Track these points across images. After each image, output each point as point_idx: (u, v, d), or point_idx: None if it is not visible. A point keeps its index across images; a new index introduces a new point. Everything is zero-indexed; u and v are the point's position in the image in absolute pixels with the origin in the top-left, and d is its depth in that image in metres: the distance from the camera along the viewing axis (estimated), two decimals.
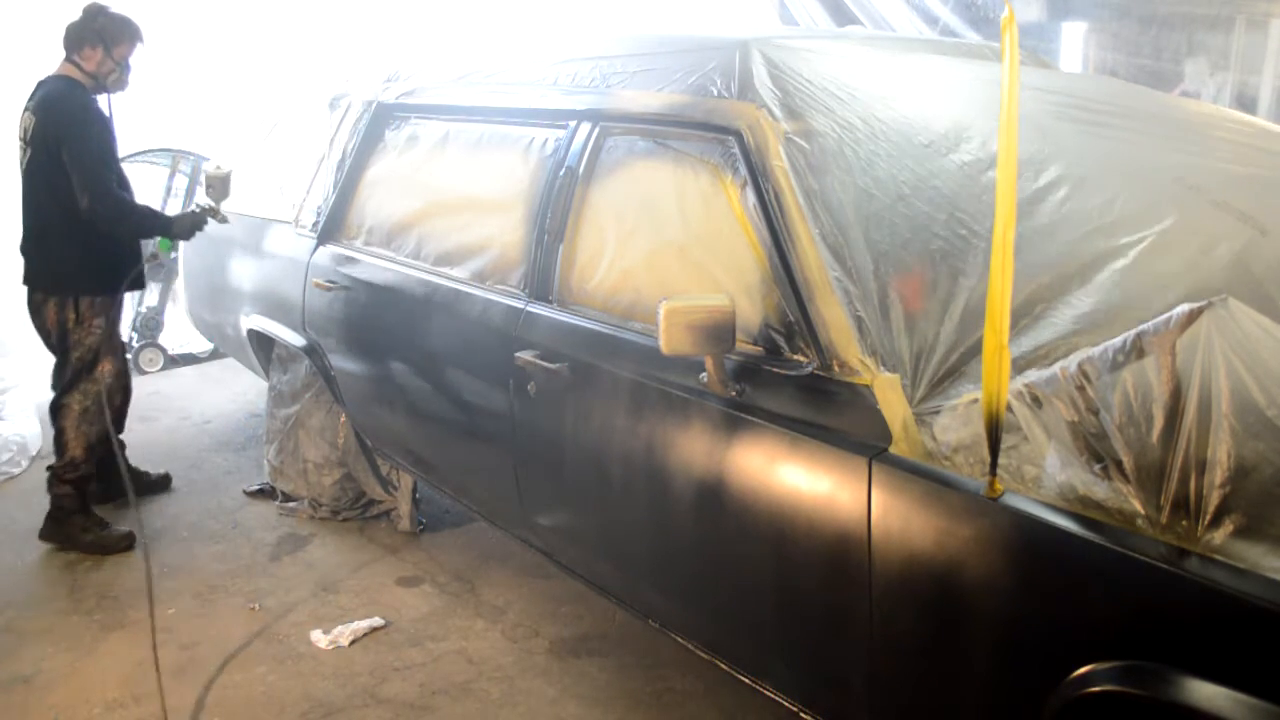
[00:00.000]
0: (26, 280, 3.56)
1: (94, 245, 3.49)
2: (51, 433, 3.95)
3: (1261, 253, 2.31)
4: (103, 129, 3.48)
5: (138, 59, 3.61)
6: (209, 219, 3.71)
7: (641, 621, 2.54)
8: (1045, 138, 2.44)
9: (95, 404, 3.55)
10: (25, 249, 3.55)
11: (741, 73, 2.24)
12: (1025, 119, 1.87)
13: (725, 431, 2.07)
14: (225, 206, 3.76)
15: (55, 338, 3.54)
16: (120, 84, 3.57)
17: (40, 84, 3.53)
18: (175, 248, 3.79)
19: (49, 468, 3.61)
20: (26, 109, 3.49)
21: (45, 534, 3.59)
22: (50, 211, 3.44)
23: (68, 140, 3.37)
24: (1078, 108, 2.66)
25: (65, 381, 3.55)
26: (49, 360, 3.73)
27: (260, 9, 6.30)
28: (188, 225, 3.68)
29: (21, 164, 3.49)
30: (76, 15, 3.51)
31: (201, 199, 3.79)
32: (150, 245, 3.80)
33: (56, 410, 3.58)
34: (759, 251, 2.08)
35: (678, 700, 2.68)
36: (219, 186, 3.68)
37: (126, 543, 3.56)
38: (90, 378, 3.54)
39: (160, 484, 4.03)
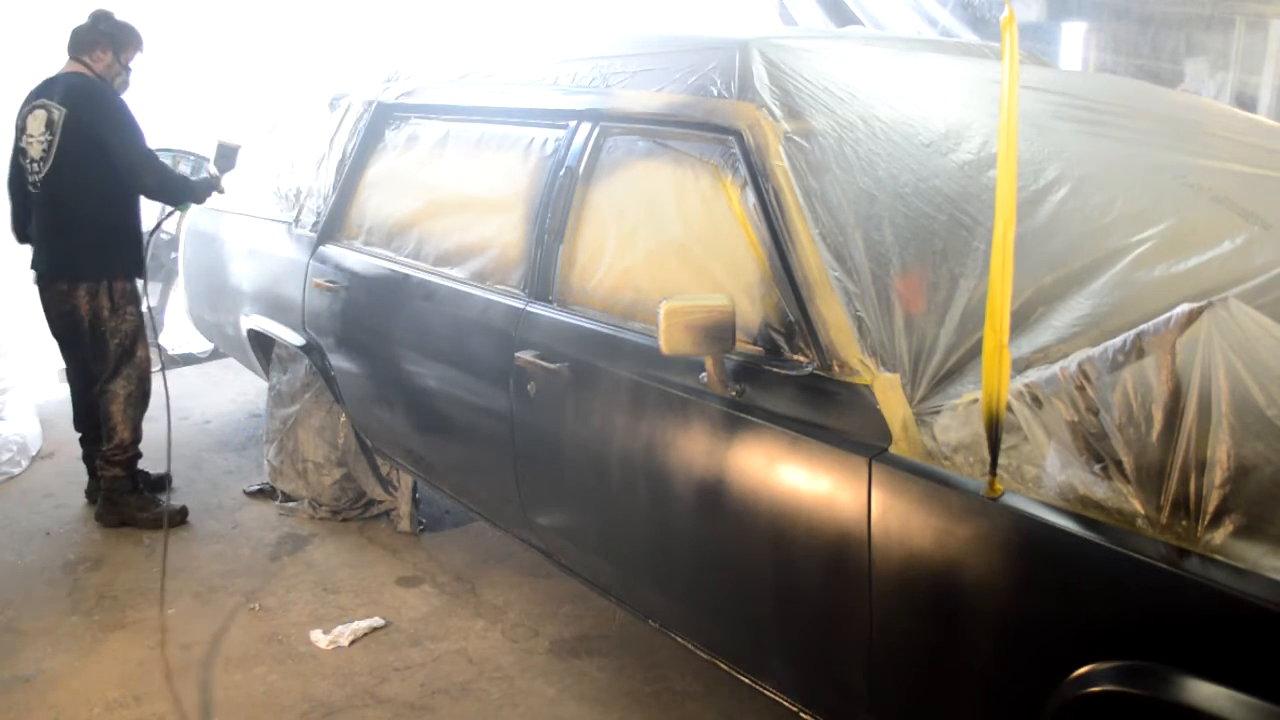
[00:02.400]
0: (49, 272, 3.62)
1: (120, 230, 3.63)
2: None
3: (1264, 248, 2.31)
4: (131, 114, 3.61)
5: (138, 64, 3.73)
6: (213, 188, 3.84)
7: (641, 621, 2.54)
8: (1045, 137, 2.44)
9: (139, 388, 3.74)
10: (49, 241, 3.61)
11: (741, 73, 2.24)
12: (1025, 119, 1.87)
13: (725, 431, 2.07)
14: (227, 204, 3.88)
15: (89, 326, 3.62)
16: (124, 87, 3.68)
17: (52, 81, 3.60)
18: (189, 208, 3.96)
19: (100, 452, 3.74)
20: (43, 104, 3.54)
21: (102, 517, 3.75)
22: (80, 200, 3.54)
23: (113, 127, 3.51)
24: (1077, 107, 2.66)
25: (109, 370, 3.67)
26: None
27: (260, 9, 6.30)
28: (204, 190, 3.81)
29: (40, 158, 3.53)
30: (82, 19, 3.62)
31: (211, 168, 3.88)
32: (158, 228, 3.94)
33: (101, 396, 3.71)
34: (759, 251, 2.08)
35: (677, 700, 2.68)
36: (228, 157, 3.81)
37: (181, 516, 3.76)
38: (131, 363, 3.69)
39: (159, 484, 4.04)
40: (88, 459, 3.88)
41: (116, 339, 3.63)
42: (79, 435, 3.87)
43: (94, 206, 3.53)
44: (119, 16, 3.67)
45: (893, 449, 1.79)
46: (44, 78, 3.63)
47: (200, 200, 3.82)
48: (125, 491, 3.74)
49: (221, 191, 3.86)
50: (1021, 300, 1.96)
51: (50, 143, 3.52)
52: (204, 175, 3.90)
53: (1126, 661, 1.47)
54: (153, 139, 5.56)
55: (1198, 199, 2.47)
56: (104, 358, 3.65)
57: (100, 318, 3.60)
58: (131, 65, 3.68)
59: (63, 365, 5.32)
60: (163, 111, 5.80)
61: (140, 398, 3.74)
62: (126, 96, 3.67)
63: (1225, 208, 2.44)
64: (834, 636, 1.94)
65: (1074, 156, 2.42)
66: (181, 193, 3.72)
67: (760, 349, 2.06)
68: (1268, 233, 2.39)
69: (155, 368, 4.06)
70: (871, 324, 1.91)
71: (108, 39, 3.59)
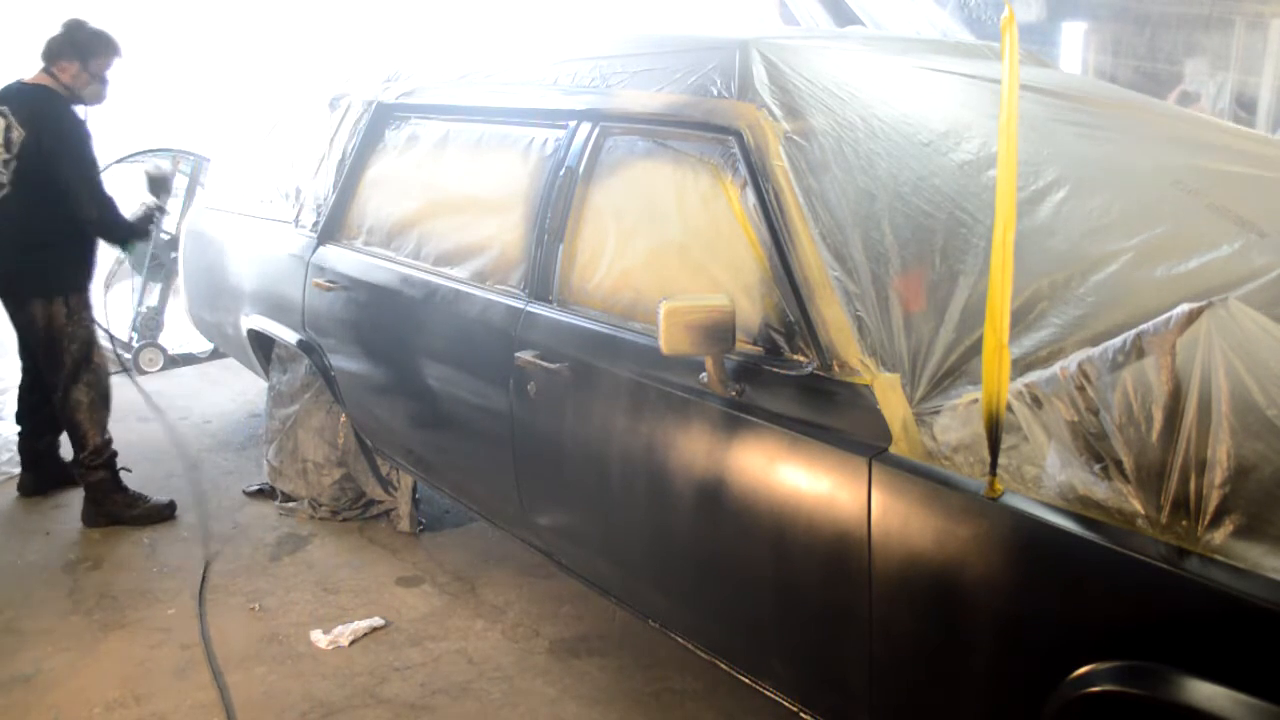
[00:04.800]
0: (11, 286, 3.64)
1: (81, 245, 3.68)
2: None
3: (1261, 253, 2.31)
4: (91, 140, 3.60)
5: (116, 73, 3.67)
6: (157, 214, 4.01)
7: (641, 621, 2.54)
8: (1044, 140, 2.44)
9: (99, 392, 3.75)
10: (18, 257, 3.59)
11: (741, 73, 2.24)
12: (1024, 121, 1.87)
13: (725, 431, 2.07)
14: (227, 204, 3.98)
15: (44, 335, 3.64)
16: (97, 97, 3.65)
17: (16, 91, 3.56)
18: (133, 249, 4.16)
19: (76, 461, 3.77)
20: (3, 112, 3.51)
21: (89, 518, 3.75)
22: (46, 219, 3.53)
23: (67, 156, 3.49)
24: (1075, 111, 2.66)
25: (65, 377, 3.67)
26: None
27: (260, 9, 6.30)
28: (143, 226, 3.93)
29: (3, 173, 3.52)
30: (56, 29, 3.57)
31: (147, 199, 4.00)
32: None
33: (64, 407, 3.71)
34: (759, 251, 2.08)
35: (677, 700, 2.68)
36: (161, 184, 4.06)
37: (170, 510, 3.79)
38: (89, 368, 3.70)
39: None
40: (24, 450, 3.96)
41: (75, 345, 3.65)
42: (18, 430, 3.96)
43: (60, 226, 3.53)
44: (94, 24, 3.60)
45: (893, 449, 1.79)
46: (11, 81, 3.58)
47: (144, 237, 3.97)
48: (110, 490, 3.75)
49: (164, 212, 4.04)
50: (1021, 300, 1.96)
51: (7, 160, 3.48)
52: (142, 207, 3.96)
53: (1126, 661, 1.47)
54: (153, 139, 5.58)
55: (1193, 205, 2.47)
56: (60, 365, 3.66)
57: (55, 326, 3.62)
58: (106, 75, 3.62)
59: None
60: (164, 112, 5.81)
61: (101, 401, 3.76)
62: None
63: (1220, 215, 2.45)
64: (834, 636, 1.94)
65: (1072, 159, 2.42)
66: (120, 230, 3.71)
67: (760, 349, 2.06)
68: (1263, 240, 2.40)
69: (157, 368, 4.12)
70: (871, 324, 1.91)
71: (74, 50, 3.52)
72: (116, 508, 3.73)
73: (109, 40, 3.60)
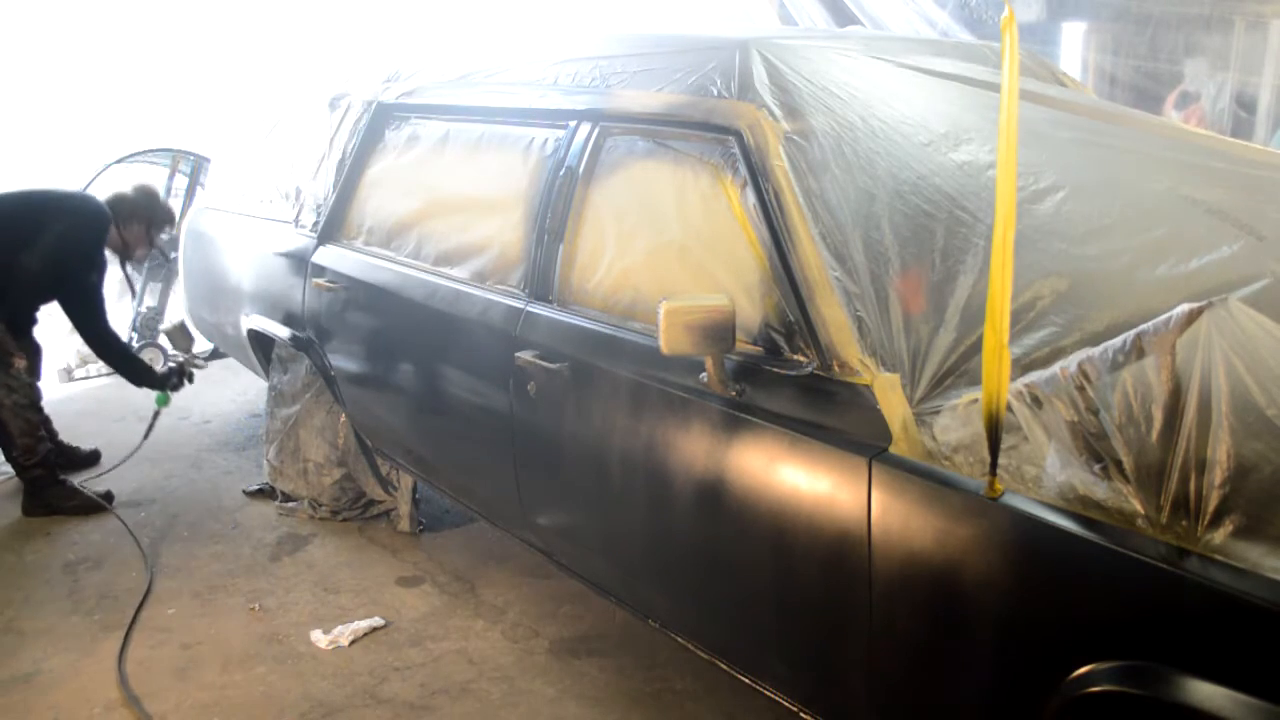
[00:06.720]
0: None
1: None
2: None
3: (1259, 258, 2.31)
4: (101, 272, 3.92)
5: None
6: (192, 368, 4.26)
7: (641, 621, 2.54)
8: (1043, 145, 2.44)
9: (24, 396, 3.83)
10: None
11: (741, 73, 2.24)
12: (1023, 125, 1.87)
13: (725, 431, 2.07)
14: (226, 204, 3.96)
15: None
16: (143, 259, 4.07)
17: (75, 196, 3.92)
18: (169, 400, 4.20)
19: (10, 461, 3.87)
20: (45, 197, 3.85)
21: (29, 509, 3.85)
22: None
23: (72, 275, 3.77)
24: (1074, 119, 2.65)
25: None
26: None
27: (260, 9, 6.30)
28: (177, 377, 4.17)
29: None
30: (129, 190, 4.03)
31: (180, 343, 4.42)
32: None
33: None
34: (759, 251, 2.08)
35: (677, 700, 2.68)
36: (179, 337, 4.41)
37: (108, 500, 3.90)
38: (8, 373, 3.78)
39: (90, 459, 4.24)
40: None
41: None
42: None
43: None
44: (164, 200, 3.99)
45: (893, 449, 1.79)
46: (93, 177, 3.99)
47: (174, 388, 4.12)
48: (48, 484, 3.84)
49: (202, 362, 4.30)
50: (1021, 300, 1.96)
51: None
52: (171, 364, 4.21)
53: (1126, 661, 1.48)
54: (153, 139, 5.58)
55: (1193, 209, 2.47)
56: None
57: None
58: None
59: (62, 365, 5.39)
60: (164, 112, 5.81)
61: (27, 406, 3.83)
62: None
63: (1220, 219, 2.45)
64: (834, 636, 1.94)
65: (1070, 164, 2.42)
66: (123, 369, 4.03)
67: (760, 349, 2.06)
68: (1262, 244, 2.40)
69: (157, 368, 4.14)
70: (871, 324, 1.91)
71: (147, 216, 3.96)
72: (55, 498, 3.83)
73: (174, 215, 3.98)
